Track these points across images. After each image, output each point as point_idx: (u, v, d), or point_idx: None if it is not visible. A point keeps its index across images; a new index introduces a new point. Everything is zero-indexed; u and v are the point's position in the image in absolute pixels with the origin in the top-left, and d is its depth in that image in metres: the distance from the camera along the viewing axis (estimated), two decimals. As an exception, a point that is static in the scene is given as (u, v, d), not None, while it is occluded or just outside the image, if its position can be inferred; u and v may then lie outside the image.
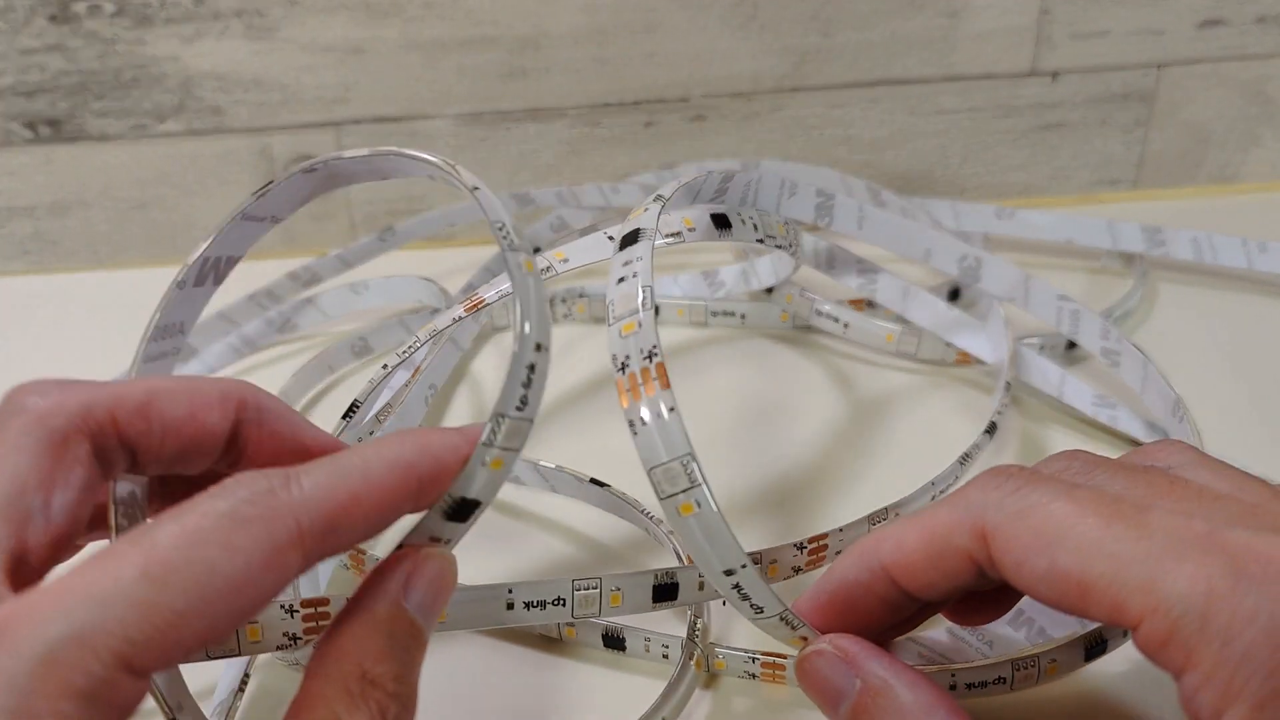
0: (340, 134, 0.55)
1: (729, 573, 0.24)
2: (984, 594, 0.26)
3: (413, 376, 0.38)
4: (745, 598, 0.25)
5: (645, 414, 0.24)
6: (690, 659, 0.29)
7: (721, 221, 0.32)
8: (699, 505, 0.24)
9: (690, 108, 0.55)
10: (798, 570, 0.29)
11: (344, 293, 0.49)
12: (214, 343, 0.47)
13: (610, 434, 0.39)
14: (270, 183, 0.28)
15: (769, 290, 0.46)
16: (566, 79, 0.54)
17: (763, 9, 0.53)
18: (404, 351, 0.32)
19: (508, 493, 0.38)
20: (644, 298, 0.25)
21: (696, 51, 0.54)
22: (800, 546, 0.29)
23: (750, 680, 0.29)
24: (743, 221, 0.33)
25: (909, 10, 0.53)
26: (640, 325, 0.25)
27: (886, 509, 0.31)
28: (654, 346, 0.24)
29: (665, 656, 0.30)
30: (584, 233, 0.49)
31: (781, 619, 0.25)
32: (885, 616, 0.25)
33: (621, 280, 0.26)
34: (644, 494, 0.35)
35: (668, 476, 0.24)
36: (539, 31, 0.53)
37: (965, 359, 0.43)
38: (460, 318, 0.33)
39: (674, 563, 0.32)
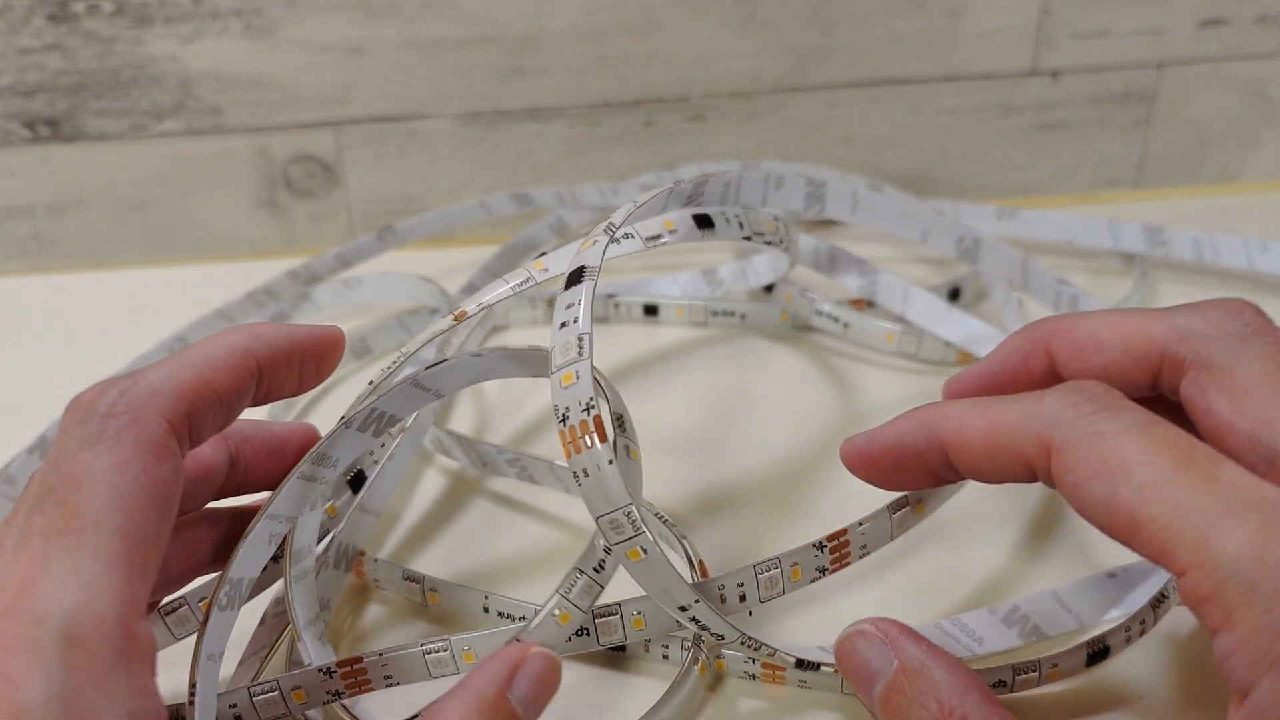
0: (339, 134, 0.55)
1: (684, 609, 0.25)
2: None
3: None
4: (705, 629, 0.26)
5: (585, 468, 0.24)
6: (695, 664, 0.29)
7: (704, 221, 0.32)
8: (645, 551, 0.24)
9: (690, 107, 0.55)
10: (824, 571, 0.28)
11: (338, 287, 0.49)
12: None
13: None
14: (444, 360, 0.29)
15: (768, 289, 0.45)
16: (566, 78, 0.54)
17: (762, 8, 0.53)
18: (389, 367, 0.32)
19: (522, 491, 0.38)
20: (581, 347, 0.25)
21: (696, 51, 0.54)
22: (820, 546, 0.28)
23: (752, 681, 0.29)
24: (726, 220, 0.32)
25: (909, 9, 0.53)
26: (578, 377, 0.25)
27: (907, 495, 0.30)
28: (591, 399, 0.24)
29: (665, 657, 0.30)
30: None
31: (743, 644, 0.26)
32: (927, 481, 0.26)
33: (563, 325, 0.26)
34: (652, 497, 0.35)
35: (613, 526, 0.24)
36: (538, 30, 0.53)
37: (966, 359, 0.42)
38: (447, 329, 0.32)
39: (684, 565, 0.32)
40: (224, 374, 0.23)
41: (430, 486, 0.39)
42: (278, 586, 0.31)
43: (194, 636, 0.26)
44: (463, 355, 0.29)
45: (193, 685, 0.24)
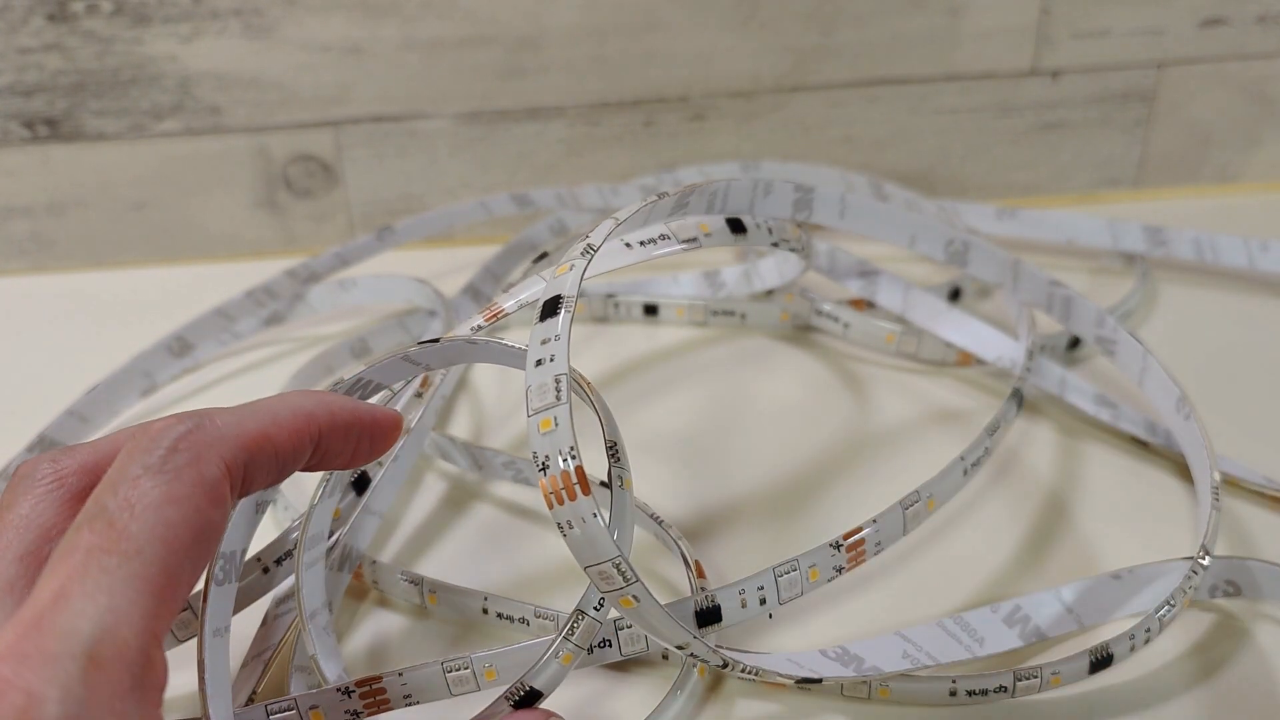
0: (339, 133, 0.55)
1: (681, 647, 0.25)
2: None
3: (422, 385, 0.38)
4: (704, 663, 0.26)
5: (569, 520, 0.23)
6: (695, 665, 0.29)
7: (736, 226, 0.32)
8: (638, 599, 0.24)
9: (690, 107, 0.55)
10: (840, 570, 0.28)
11: (332, 288, 0.49)
12: (208, 339, 0.47)
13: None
14: (437, 339, 0.28)
15: (770, 290, 0.45)
16: (565, 78, 0.54)
17: (762, 8, 0.53)
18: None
19: (518, 494, 0.38)
20: (560, 390, 0.24)
21: (696, 51, 0.54)
22: (836, 545, 0.28)
23: (752, 682, 0.29)
24: (757, 226, 0.32)
25: (909, 9, 0.53)
26: (556, 423, 0.23)
27: (918, 490, 0.30)
28: (571, 447, 0.23)
29: (665, 658, 0.30)
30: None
31: (743, 672, 0.26)
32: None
33: (539, 363, 0.24)
34: (651, 498, 0.35)
35: (603, 576, 0.24)
36: (538, 30, 0.53)
37: (966, 359, 0.42)
38: (480, 326, 0.31)
39: (681, 567, 0.32)
40: (287, 432, 0.24)
41: (429, 490, 0.39)
42: (280, 587, 0.31)
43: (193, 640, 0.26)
44: (457, 339, 0.28)
45: (201, 663, 0.24)
